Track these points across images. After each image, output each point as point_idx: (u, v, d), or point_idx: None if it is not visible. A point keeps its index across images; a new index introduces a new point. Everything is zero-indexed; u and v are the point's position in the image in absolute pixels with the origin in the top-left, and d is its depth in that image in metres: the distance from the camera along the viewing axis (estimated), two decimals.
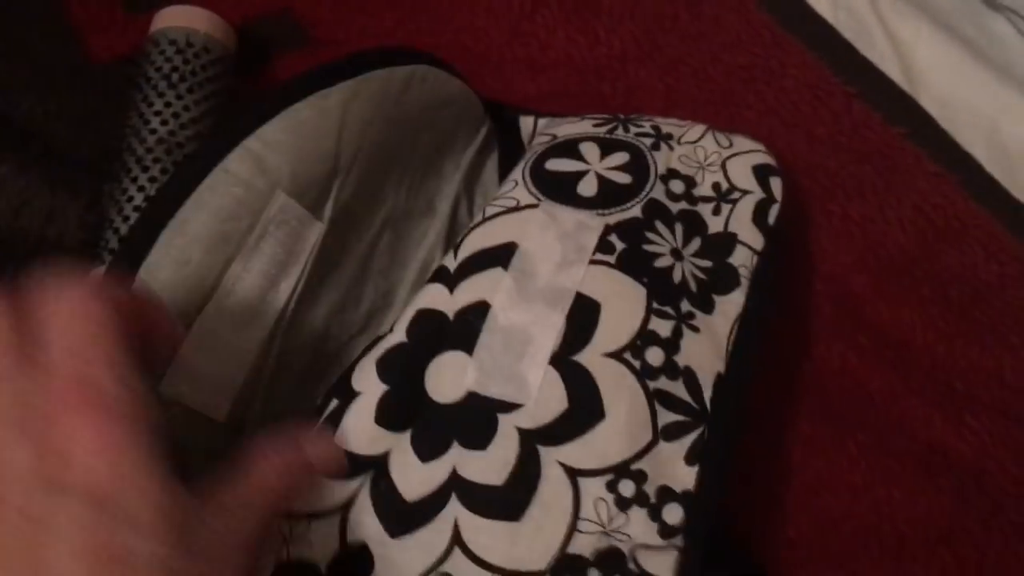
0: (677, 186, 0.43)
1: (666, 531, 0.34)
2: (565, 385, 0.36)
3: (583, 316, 0.37)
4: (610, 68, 0.55)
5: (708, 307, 0.40)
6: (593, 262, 0.38)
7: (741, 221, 0.43)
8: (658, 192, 0.42)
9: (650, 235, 0.40)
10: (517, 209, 0.41)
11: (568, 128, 0.47)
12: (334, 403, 0.36)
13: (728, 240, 0.43)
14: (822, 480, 0.44)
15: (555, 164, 0.43)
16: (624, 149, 0.44)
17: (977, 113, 0.53)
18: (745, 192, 0.44)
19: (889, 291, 0.49)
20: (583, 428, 0.35)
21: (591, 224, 0.39)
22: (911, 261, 0.50)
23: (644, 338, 0.38)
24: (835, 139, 0.53)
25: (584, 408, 0.35)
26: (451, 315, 0.37)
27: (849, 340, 0.47)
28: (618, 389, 0.36)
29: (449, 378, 0.36)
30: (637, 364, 0.37)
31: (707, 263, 0.42)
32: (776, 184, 0.45)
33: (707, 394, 0.38)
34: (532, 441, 0.35)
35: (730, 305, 0.41)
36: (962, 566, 0.42)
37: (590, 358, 0.36)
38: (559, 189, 0.41)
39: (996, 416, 0.46)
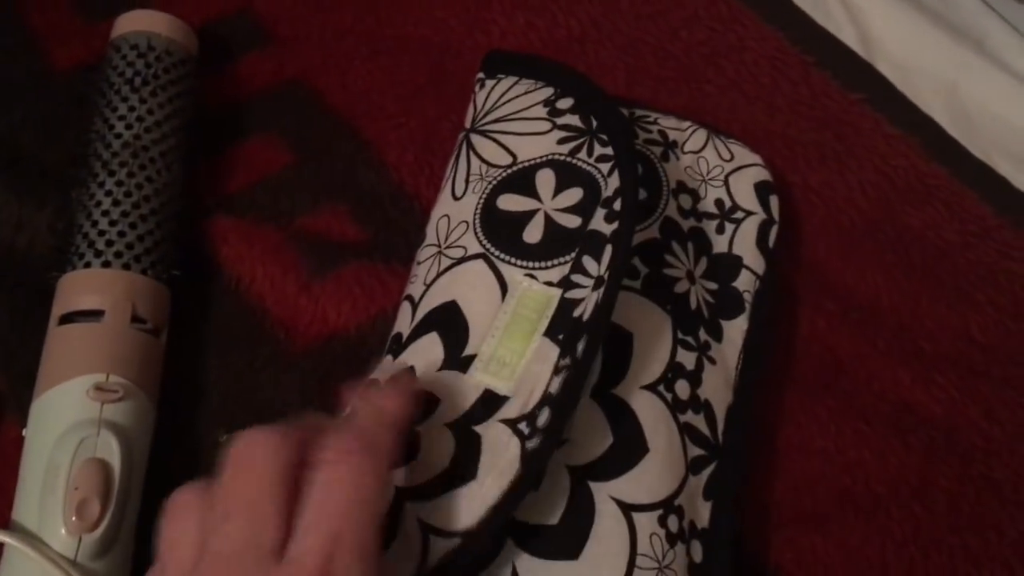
0: (686, 201, 0.43)
1: (692, 568, 0.35)
2: (608, 419, 0.35)
3: (617, 347, 0.36)
4: (570, 50, 0.55)
5: (718, 334, 0.40)
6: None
7: (745, 244, 0.43)
8: (671, 209, 0.42)
9: (669, 258, 0.40)
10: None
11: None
12: None
13: (733, 263, 0.43)
14: (793, 445, 0.44)
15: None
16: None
17: (935, 75, 0.54)
18: (748, 213, 0.44)
19: (853, 255, 0.49)
20: (631, 463, 0.35)
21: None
22: (874, 224, 0.50)
23: (674, 371, 0.37)
24: (795, 108, 0.53)
25: (629, 442, 0.35)
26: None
27: (816, 306, 0.47)
28: (656, 422, 0.36)
29: None
30: (669, 397, 0.37)
31: (713, 286, 0.42)
32: (774, 203, 0.45)
33: (720, 427, 0.38)
34: (583, 478, 0.34)
35: (735, 331, 0.41)
36: (935, 522, 0.42)
37: (628, 391, 0.36)
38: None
39: (964, 373, 0.46)
